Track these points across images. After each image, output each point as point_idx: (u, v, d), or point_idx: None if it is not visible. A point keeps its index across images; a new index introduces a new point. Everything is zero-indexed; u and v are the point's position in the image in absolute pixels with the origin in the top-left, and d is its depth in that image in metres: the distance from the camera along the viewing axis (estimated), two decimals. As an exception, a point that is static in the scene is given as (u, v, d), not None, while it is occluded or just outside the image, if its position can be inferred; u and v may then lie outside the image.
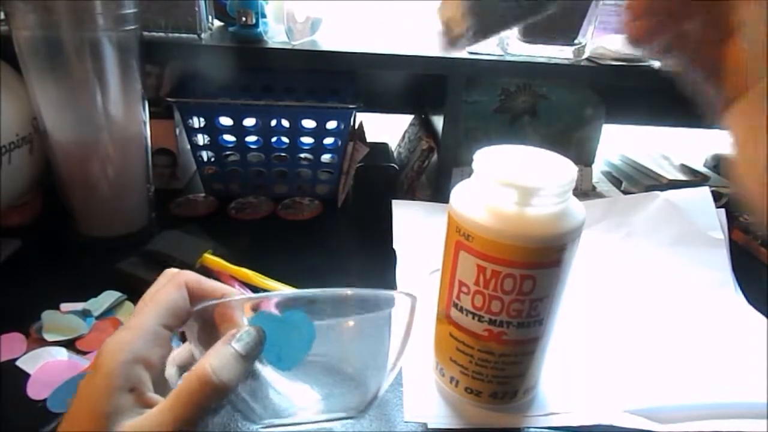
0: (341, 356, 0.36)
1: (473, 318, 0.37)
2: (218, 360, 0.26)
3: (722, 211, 0.62)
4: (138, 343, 0.26)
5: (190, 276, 0.31)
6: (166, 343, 0.28)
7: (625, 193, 0.78)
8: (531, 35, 0.67)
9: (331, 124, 0.68)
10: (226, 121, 0.69)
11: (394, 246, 0.60)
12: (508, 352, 0.37)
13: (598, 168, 0.86)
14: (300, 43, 0.65)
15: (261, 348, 0.28)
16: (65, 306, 0.48)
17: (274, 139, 0.70)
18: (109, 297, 0.49)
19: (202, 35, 0.65)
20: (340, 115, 0.68)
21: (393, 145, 0.84)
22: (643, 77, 0.68)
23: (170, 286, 0.29)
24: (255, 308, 0.31)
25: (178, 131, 0.70)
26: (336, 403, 0.36)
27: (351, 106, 0.67)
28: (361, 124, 0.76)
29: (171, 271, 0.31)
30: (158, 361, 0.27)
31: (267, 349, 0.29)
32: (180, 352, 0.32)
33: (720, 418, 0.40)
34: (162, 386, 0.28)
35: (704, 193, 0.62)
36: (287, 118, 0.68)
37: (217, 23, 0.70)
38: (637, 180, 0.81)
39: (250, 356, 0.28)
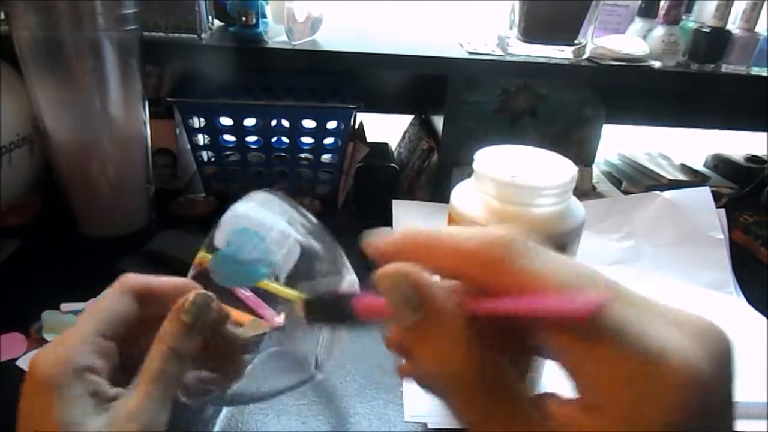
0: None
1: (473, 318, 0.37)
2: (169, 331, 0.27)
3: (722, 211, 0.62)
4: (80, 357, 0.25)
5: (136, 279, 0.29)
6: (109, 353, 0.26)
7: (625, 193, 0.78)
8: (531, 35, 0.67)
9: (331, 124, 0.68)
10: (226, 121, 0.69)
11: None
12: (508, 352, 0.37)
13: (598, 168, 0.86)
14: (300, 43, 0.65)
15: (209, 309, 0.28)
16: (65, 306, 0.48)
17: (274, 139, 0.70)
18: (109, 297, 0.49)
19: (202, 35, 0.64)
20: (340, 115, 0.68)
21: (393, 145, 0.84)
22: (643, 77, 0.68)
23: (111, 293, 0.28)
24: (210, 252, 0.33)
25: (178, 131, 0.70)
26: (286, 377, 0.39)
27: (351, 106, 0.67)
28: (361, 124, 0.76)
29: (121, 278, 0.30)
30: (105, 367, 0.26)
31: (235, 272, 0.31)
32: None
33: (720, 418, 0.40)
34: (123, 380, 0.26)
35: (704, 193, 0.62)
36: (287, 118, 0.67)
37: (217, 23, 0.70)
38: (637, 180, 0.81)
39: (200, 321, 0.27)
